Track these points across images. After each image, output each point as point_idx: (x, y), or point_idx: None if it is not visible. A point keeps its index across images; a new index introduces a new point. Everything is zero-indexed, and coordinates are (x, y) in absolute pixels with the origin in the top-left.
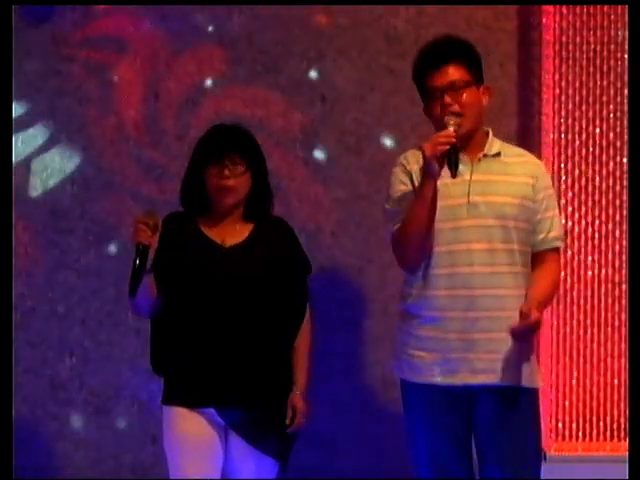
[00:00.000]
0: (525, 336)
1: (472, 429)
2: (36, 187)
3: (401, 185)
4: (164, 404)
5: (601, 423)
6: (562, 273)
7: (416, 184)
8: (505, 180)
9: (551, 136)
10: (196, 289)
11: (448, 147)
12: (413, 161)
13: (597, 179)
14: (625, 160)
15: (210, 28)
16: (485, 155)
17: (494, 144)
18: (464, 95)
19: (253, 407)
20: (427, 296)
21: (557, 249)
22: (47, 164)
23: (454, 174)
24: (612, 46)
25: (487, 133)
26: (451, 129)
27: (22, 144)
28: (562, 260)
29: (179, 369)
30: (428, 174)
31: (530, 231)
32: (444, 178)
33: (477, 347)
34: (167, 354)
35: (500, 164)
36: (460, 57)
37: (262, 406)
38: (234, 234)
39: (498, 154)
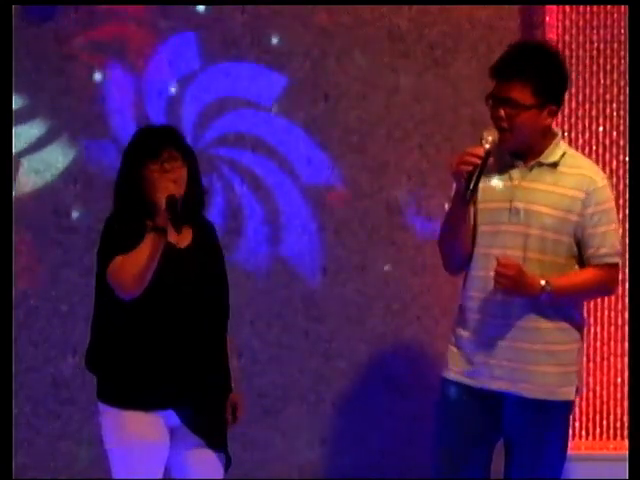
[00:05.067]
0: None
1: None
2: (39, 186)
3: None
4: (113, 406)
5: (604, 422)
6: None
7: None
8: (552, 191)
9: None
10: (155, 290)
11: (470, 168)
12: None
13: None
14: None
15: (213, 27)
16: (540, 163)
17: (554, 153)
18: (520, 116)
19: (205, 406)
20: (465, 296)
21: (610, 265)
22: (49, 163)
23: (467, 199)
24: (615, 45)
25: (552, 140)
26: (481, 149)
27: (24, 143)
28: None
29: (133, 371)
30: (454, 192)
31: (571, 245)
32: (491, 181)
33: (499, 354)
34: (118, 354)
35: (553, 174)
36: (530, 77)
37: (211, 404)
38: (181, 236)
39: (555, 164)
